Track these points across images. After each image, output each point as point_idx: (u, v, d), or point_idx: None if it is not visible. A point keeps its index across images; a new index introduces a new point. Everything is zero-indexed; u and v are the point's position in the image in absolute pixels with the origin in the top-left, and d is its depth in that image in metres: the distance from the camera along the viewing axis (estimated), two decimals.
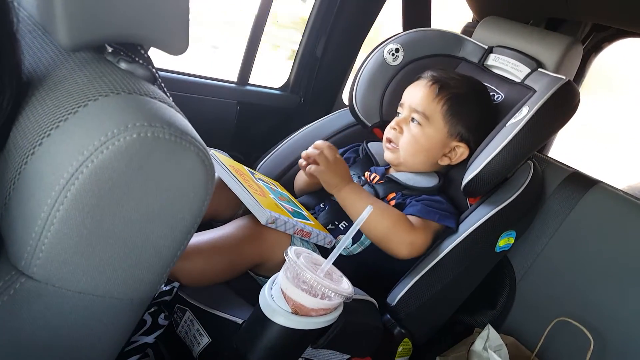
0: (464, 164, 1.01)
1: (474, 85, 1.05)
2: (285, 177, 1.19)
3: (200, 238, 0.80)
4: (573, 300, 1.03)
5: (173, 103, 0.49)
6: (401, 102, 1.05)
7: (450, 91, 1.00)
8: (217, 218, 0.99)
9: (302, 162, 0.96)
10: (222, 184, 0.84)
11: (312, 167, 0.92)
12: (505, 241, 0.94)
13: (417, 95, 1.01)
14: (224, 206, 0.98)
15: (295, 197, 1.05)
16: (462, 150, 1.01)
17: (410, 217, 0.92)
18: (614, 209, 1.05)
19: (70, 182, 0.38)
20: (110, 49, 0.52)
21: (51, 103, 0.43)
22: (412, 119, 1.00)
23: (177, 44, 0.51)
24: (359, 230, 0.68)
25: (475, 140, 1.01)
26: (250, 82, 1.42)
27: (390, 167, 1.07)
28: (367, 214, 0.64)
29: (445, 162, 1.02)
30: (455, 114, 0.99)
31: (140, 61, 0.51)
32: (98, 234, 0.40)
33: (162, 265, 0.47)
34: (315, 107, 1.45)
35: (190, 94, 1.28)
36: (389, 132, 1.03)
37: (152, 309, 0.74)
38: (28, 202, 0.39)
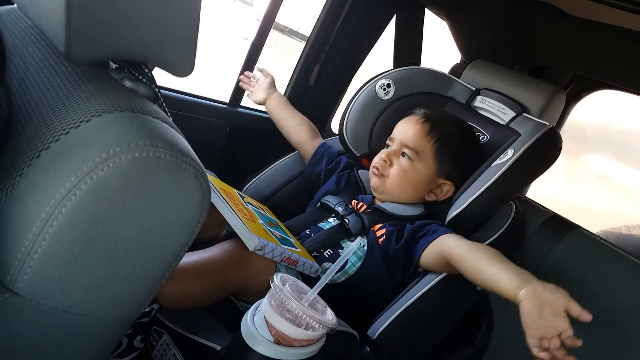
0: (448, 201, 1.03)
1: (463, 126, 1.09)
2: (271, 200, 1.19)
3: (183, 259, 0.78)
4: None
5: (174, 123, 0.49)
6: (392, 135, 1.07)
7: (441, 131, 1.02)
8: (199, 238, 0.97)
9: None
10: None
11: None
12: None
13: (409, 130, 1.03)
14: (208, 226, 0.96)
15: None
16: (447, 188, 1.03)
17: (447, 236, 0.91)
18: (591, 254, 1.07)
19: (67, 197, 0.37)
20: (114, 66, 0.52)
21: (53, 115, 0.43)
22: (403, 153, 1.02)
23: (183, 66, 0.51)
24: None
25: (460, 179, 1.04)
26: (241, 104, 1.43)
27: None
28: (356, 245, 0.65)
29: (431, 197, 1.04)
30: (444, 153, 1.01)
31: (144, 80, 0.52)
32: (89, 252, 0.39)
33: (149, 286, 0.47)
34: None
35: (180, 111, 1.28)
36: (377, 162, 1.05)
37: (129, 331, 0.71)
38: (20, 215, 0.38)
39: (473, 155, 1.06)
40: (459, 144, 1.03)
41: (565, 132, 1.90)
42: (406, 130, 1.04)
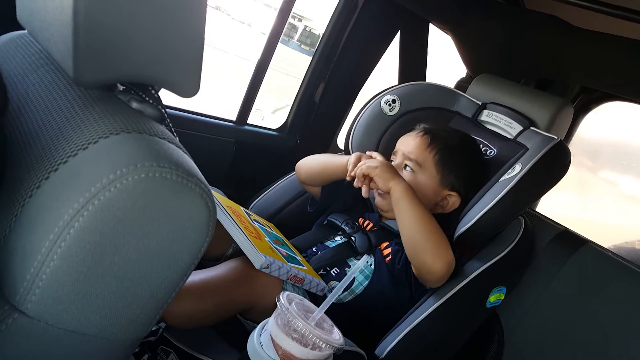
0: (455, 217, 1.02)
1: (464, 138, 1.09)
2: (277, 217, 1.18)
3: (190, 278, 0.78)
4: (562, 358, 1.02)
5: (180, 144, 0.50)
6: (395, 150, 1.07)
7: (442, 142, 1.03)
8: (206, 255, 0.97)
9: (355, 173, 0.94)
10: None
11: (368, 163, 0.93)
12: (495, 297, 0.94)
13: (410, 144, 1.04)
14: (215, 243, 0.96)
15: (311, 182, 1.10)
16: (454, 200, 1.03)
17: None
18: (603, 269, 1.06)
19: (75, 218, 0.38)
20: (121, 87, 0.53)
21: (61, 137, 0.43)
22: (405, 166, 1.02)
23: (188, 87, 0.52)
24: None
25: (466, 191, 1.03)
26: (248, 122, 1.44)
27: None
28: (363, 264, 0.64)
29: (438, 210, 1.03)
30: (447, 163, 1.01)
31: (151, 101, 0.52)
32: (97, 272, 0.39)
33: (156, 305, 0.47)
34: (310, 150, 1.47)
35: (188, 130, 1.29)
36: None
37: (136, 349, 0.71)
38: (29, 235, 0.39)
39: (477, 165, 1.06)
40: (460, 154, 1.03)
41: (579, 146, 1.89)
42: (407, 143, 1.05)
